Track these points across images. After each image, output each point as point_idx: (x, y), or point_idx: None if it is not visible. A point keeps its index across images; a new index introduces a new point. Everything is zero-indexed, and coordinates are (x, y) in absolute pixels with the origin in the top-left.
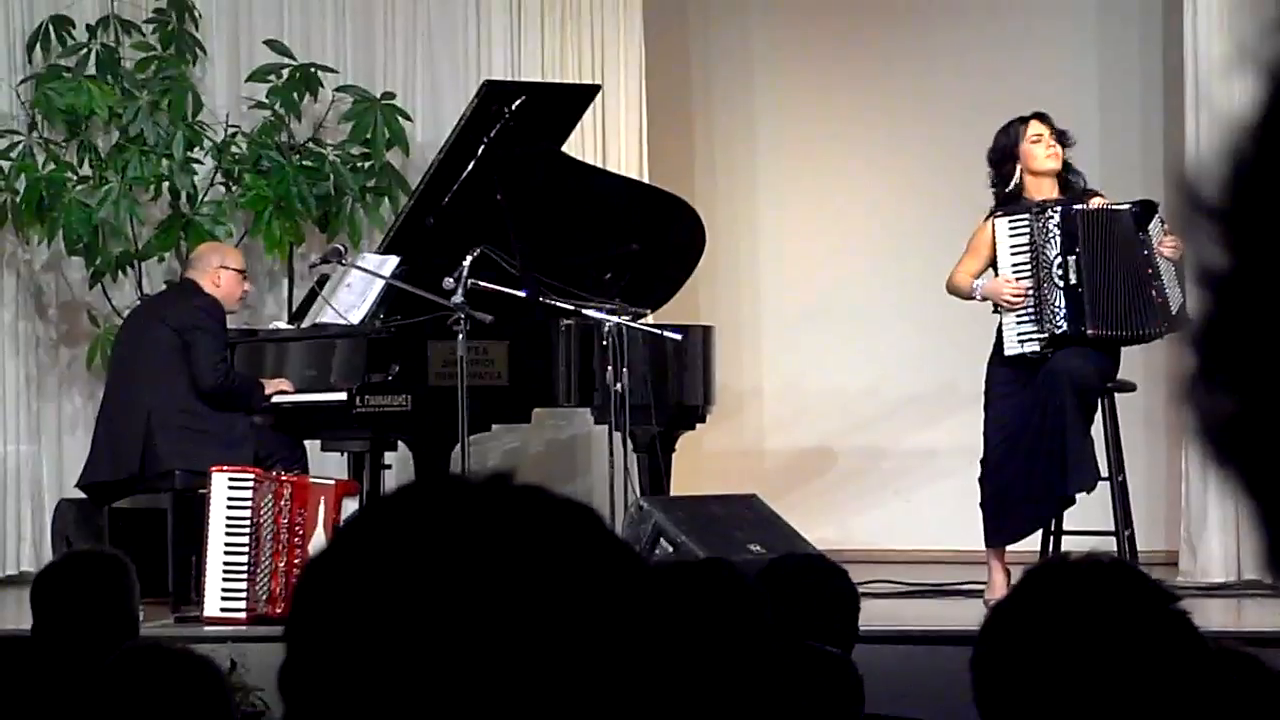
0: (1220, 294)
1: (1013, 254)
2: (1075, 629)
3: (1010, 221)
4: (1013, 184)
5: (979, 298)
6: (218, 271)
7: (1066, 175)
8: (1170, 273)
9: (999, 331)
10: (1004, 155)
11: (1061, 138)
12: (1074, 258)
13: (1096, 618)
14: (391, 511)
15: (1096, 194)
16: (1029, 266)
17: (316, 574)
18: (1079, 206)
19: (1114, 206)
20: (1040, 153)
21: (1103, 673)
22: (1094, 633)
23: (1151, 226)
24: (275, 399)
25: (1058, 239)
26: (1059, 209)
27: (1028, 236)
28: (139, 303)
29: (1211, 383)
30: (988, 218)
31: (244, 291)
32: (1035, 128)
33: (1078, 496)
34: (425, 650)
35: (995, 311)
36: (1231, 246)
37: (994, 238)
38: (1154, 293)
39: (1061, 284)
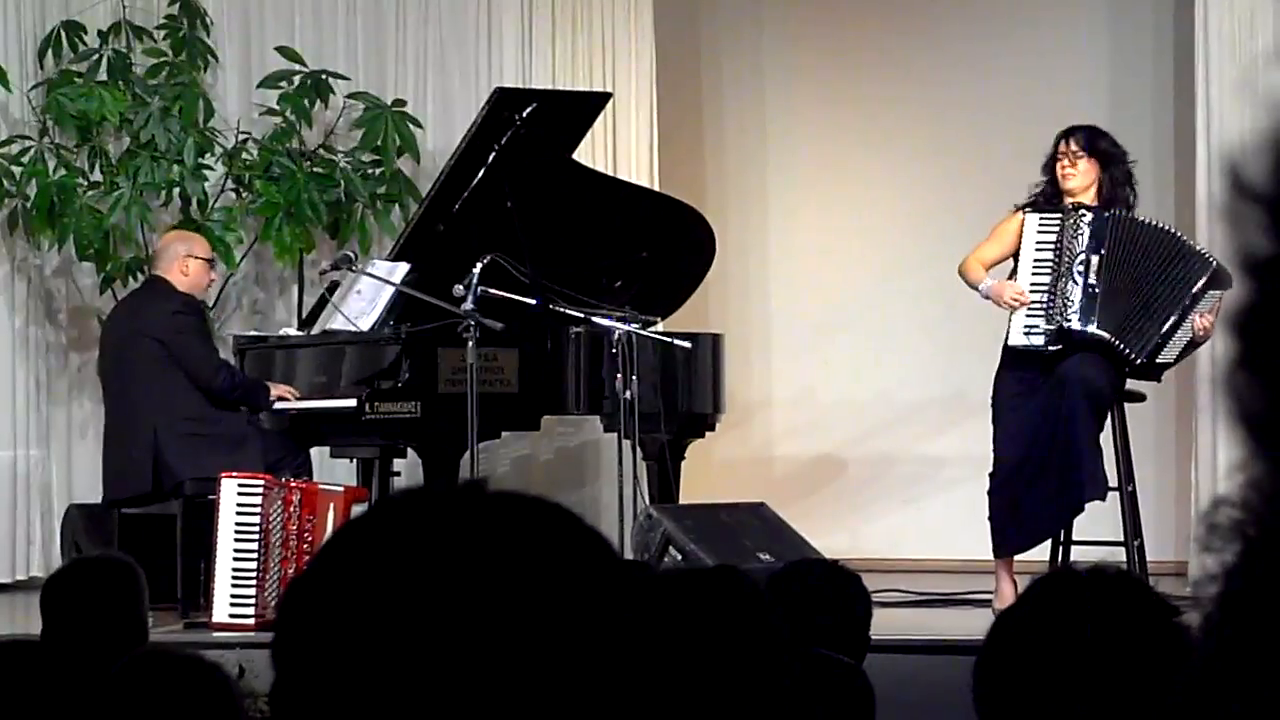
0: (1263, 280)
1: (1037, 249)
2: (1078, 639)
3: (1041, 218)
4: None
5: (982, 294)
6: (186, 260)
7: (1112, 189)
8: (1186, 334)
9: (1005, 344)
10: (1046, 166)
11: (1092, 152)
12: (1098, 257)
13: (1099, 628)
14: (369, 528)
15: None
16: (1050, 263)
17: (299, 595)
18: (1114, 211)
19: (1191, 243)
20: (1058, 171)
21: (1103, 683)
22: (1096, 643)
23: (1211, 292)
24: (278, 405)
25: (1085, 236)
26: (1093, 210)
27: (1056, 234)
28: (113, 312)
29: (1252, 369)
30: (1018, 209)
31: (210, 280)
32: (1060, 147)
33: (1087, 506)
34: (412, 663)
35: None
36: (1276, 233)
37: (1021, 230)
38: (1157, 332)
39: (1080, 280)
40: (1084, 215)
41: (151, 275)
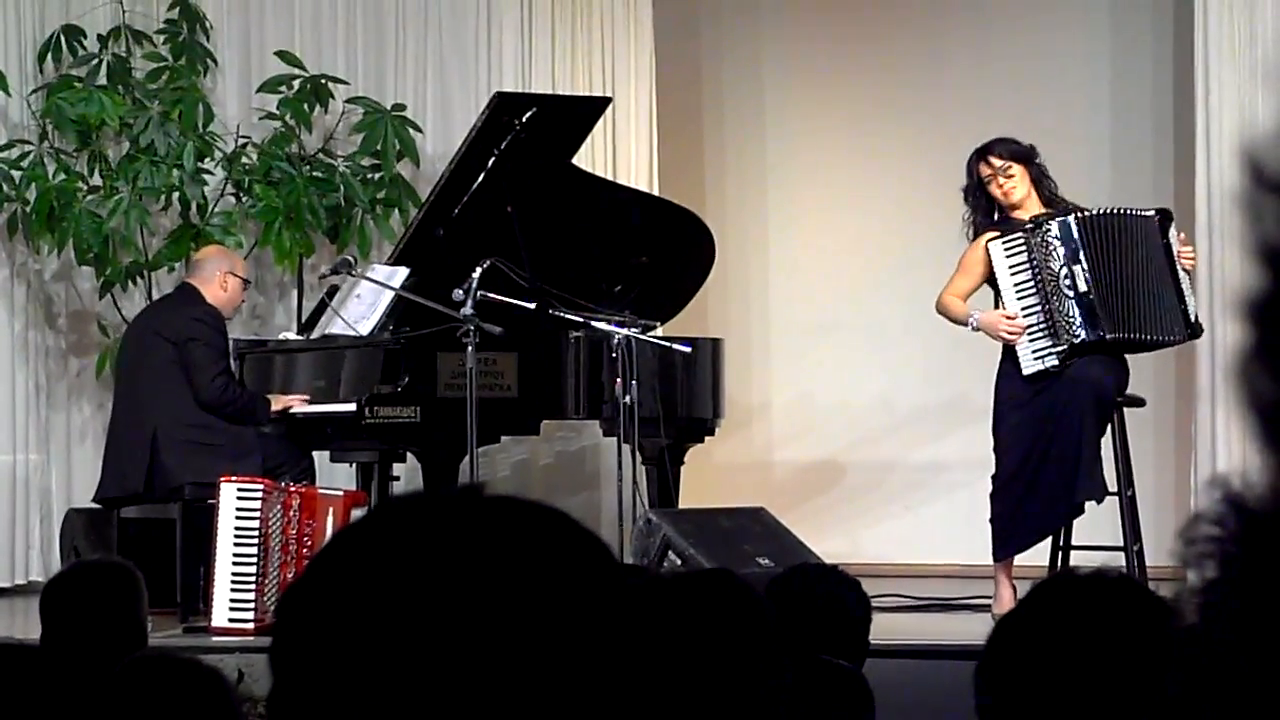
0: None
1: (1013, 274)
2: (1079, 644)
3: (1005, 243)
4: (996, 210)
5: (972, 328)
6: (226, 276)
7: (1043, 191)
8: (1186, 281)
9: (1006, 347)
10: (972, 189)
11: (1017, 158)
12: (1080, 266)
13: (1101, 633)
14: (366, 533)
15: (1079, 207)
16: (1032, 284)
17: (296, 600)
18: (1075, 215)
19: (1134, 212)
20: (996, 192)
21: (1105, 688)
22: (1098, 648)
23: (1170, 234)
24: (294, 409)
25: (1059, 250)
26: (1054, 221)
27: (1025, 255)
28: (140, 313)
29: (1267, 358)
30: (976, 235)
31: (242, 301)
32: (982, 170)
33: (1087, 510)
34: (410, 668)
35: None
36: None
37: (989, 259)
38: (1176, 298)
39: (1072, 294)
40: (1049, 230)
41: (184, 282)
